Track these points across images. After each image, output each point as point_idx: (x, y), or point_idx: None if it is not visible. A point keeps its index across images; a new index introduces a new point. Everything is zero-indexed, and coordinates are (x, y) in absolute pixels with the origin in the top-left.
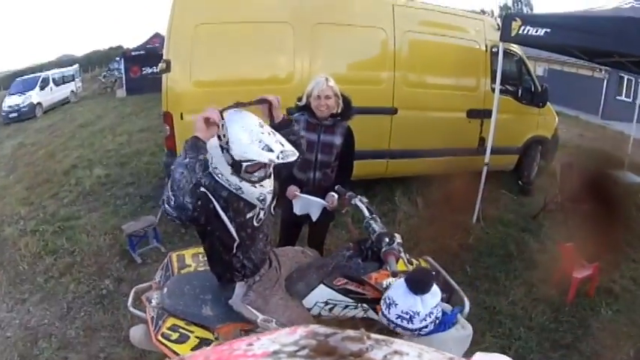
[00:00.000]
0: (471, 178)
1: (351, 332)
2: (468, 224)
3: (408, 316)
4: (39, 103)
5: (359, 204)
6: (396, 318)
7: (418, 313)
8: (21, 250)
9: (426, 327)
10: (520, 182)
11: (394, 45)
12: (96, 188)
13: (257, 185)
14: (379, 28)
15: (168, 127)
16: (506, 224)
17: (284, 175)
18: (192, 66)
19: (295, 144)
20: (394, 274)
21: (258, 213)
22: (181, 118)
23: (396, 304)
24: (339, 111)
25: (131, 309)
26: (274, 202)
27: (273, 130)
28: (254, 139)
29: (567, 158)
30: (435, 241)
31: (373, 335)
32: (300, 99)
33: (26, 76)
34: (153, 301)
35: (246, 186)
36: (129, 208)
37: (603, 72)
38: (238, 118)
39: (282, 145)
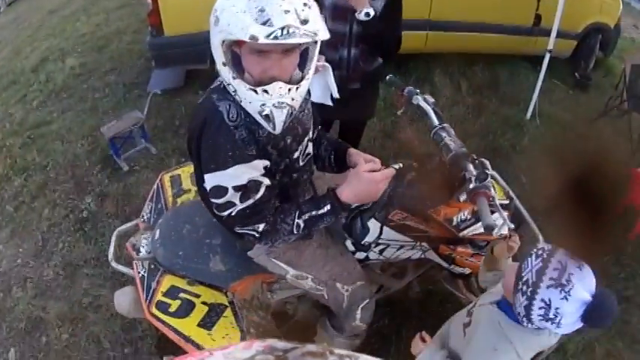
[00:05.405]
0: (522, 62)
1: (312, 347)
2: (522, 120)
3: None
4: None
5: (423, 105)
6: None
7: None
8: None
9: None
10: (576, 74)
11: None
12: (70, 82)
13: (259, 91)
14: None
15: (149, 1)
16: (563, 125)
17: None
18: None
19: None
20: (489, 228)
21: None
22: None
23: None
24: None
25: (114, 264)
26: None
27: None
28: (253, 5)
29: None
30: (484, 138)
31: (337, 350)
32: None
33: None
34: (142, 249)
35: (241, 88)
36: (110, 100)
37: None
38: None
39: (298, 17)
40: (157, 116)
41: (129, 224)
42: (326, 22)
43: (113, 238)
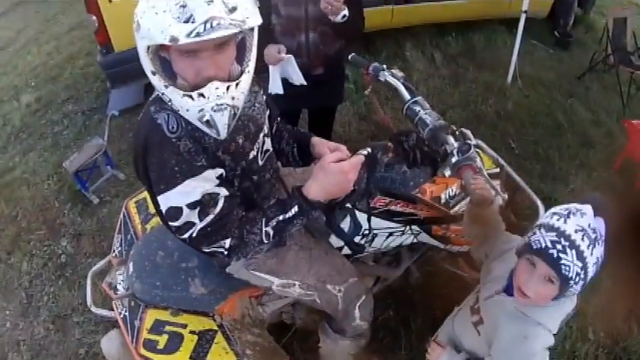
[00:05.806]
0: (497, 26)
1: None
2: (503, 85)
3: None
4: None
5: (391, 80)
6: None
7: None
8: None
9: None
10: (556, 33)
11: None
12: (28, 120)
13: (194, 96)
14: None
15: (94, 18)
16: (547, 86)
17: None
18: None
19: None
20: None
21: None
22: (109, 0)
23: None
24: None
25: (94, 310)
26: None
27: None
28: (173, 2)
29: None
30: (465, 108)
31: None
32: None
33: None
34: (119, 287)
35: (175, 96)
36: (70, 132)
37: None
38: None
39: (225, 6)
40: (119, 139)
41: (101, 263)
42: (279, 8)
43: (88, 281)
